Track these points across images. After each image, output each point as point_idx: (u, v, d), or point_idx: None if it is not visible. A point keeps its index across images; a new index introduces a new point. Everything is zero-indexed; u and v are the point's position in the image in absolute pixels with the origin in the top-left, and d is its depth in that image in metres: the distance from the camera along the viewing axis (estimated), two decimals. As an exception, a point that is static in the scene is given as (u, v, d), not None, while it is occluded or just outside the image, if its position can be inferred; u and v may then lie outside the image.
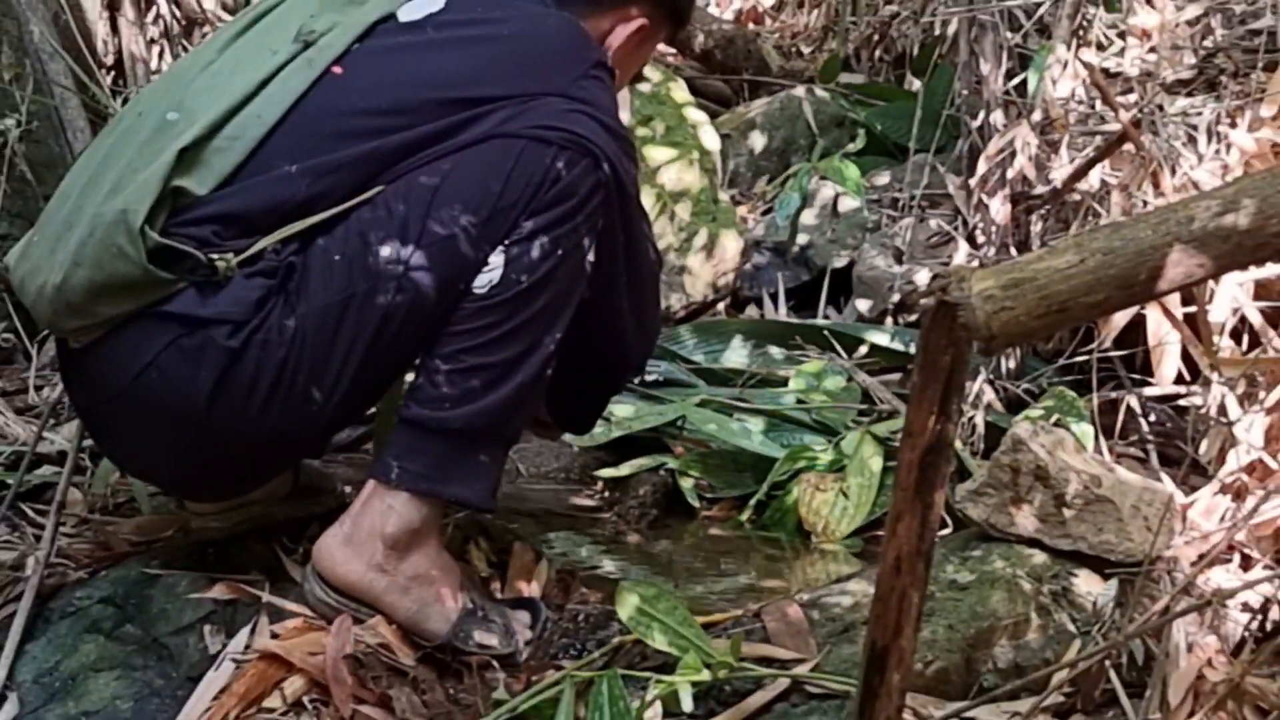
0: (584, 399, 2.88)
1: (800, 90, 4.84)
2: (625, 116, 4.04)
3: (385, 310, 2.37)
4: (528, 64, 2.51)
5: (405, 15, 2.55)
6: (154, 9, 4.16)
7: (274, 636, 2.52)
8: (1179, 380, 3.06)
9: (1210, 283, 2.42)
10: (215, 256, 2.31)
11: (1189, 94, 3.30)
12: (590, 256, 2.53)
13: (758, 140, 4.72)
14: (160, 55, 4.15)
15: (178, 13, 4.32)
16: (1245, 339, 2.90)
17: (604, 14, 2.72)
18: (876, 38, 5.21)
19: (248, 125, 2.37)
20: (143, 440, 2.56)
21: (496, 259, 2.41)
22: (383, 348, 2.41)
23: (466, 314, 2.43)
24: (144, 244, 2.26)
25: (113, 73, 4.00)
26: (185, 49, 4.30)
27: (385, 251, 2.35)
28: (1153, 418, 3.19)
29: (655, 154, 4.07)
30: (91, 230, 2.29)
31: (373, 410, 2.87)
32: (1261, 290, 2.87)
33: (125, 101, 3.89)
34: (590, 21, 2.71)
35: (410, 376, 2.55)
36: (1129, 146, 3.16)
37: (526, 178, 2.40)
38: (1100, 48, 3.54)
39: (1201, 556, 2.61)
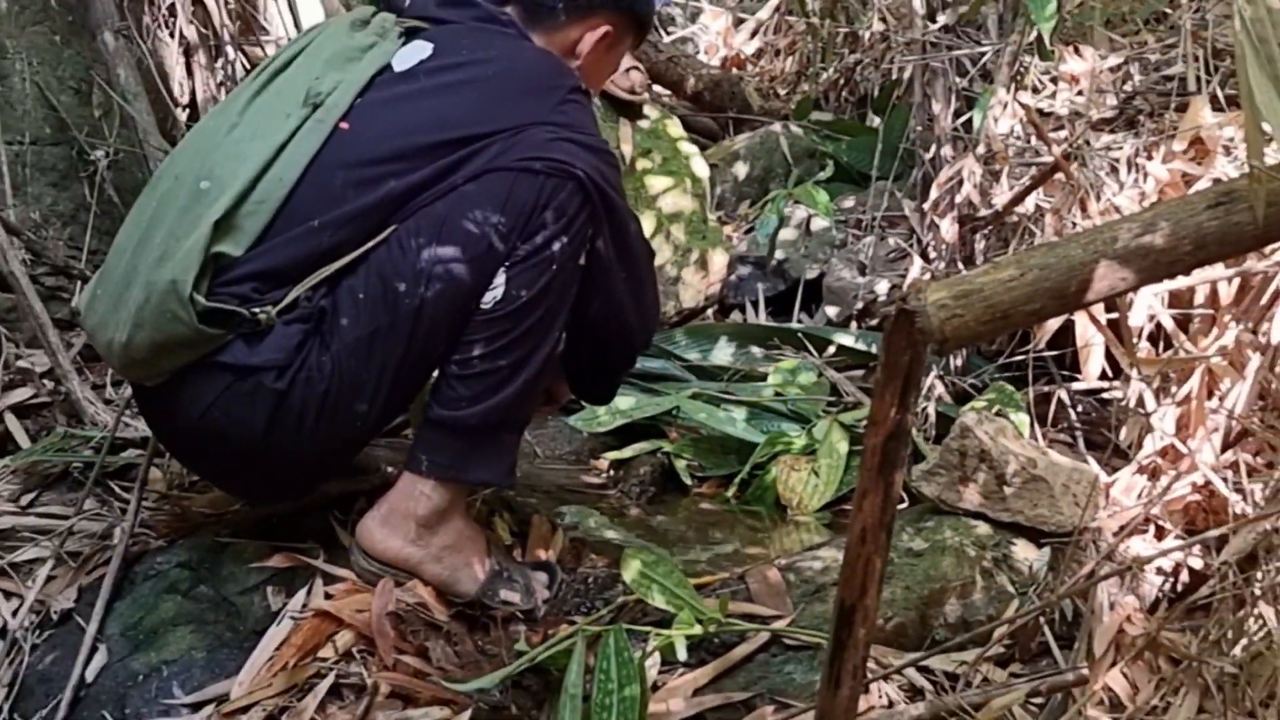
0: (601, 375, 2.89)
1: (777, 126, 4.83)
2: (627, 150, 4.05)
3: (408, 337, 2.39)
4: (511, 100, 2.51)
5: (399, 65, 2.55)
6: (223, 56, 4.15)
7: (327, 597, 2.53)
8: (1103, 376, 3.06)
9: (1130, 293, 2.42)
10: (257, 310, 2.35)
11: (1111, 131, 3.30)
12: (581, 261, 2.53)
13: (741, 169, 4.71)
14: (230, 98, 4.15)
15: (243, 59, 4.32)
16: (1160, 341, 2.90)
17: (571, 26, 2.72)
18: (842, 81, 5.20)
19: (271, 189, 2.39)
20: (212, 462, 2.62)
21: (499, 279, 2.42)
22: (409, 366, 2.43)
23: (475, 326, 2.44)
24: (194, 309, 2.29)
25: (187, 110, 4.00)
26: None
27: (402, 286, 2.37)
28: (1080, 409, 3.19)
29: (654, 182, 4.08)
30: (147, 297, 2.32)
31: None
32: (1174, 299, 2.87)
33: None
34: (559, 35, 2.73)
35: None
36: (1060, 176, 3.15)
37: (520, 207, 2.41)
38: (1035, 91, 3.53)
39: (1122, 528, 2.61)
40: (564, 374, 2.87)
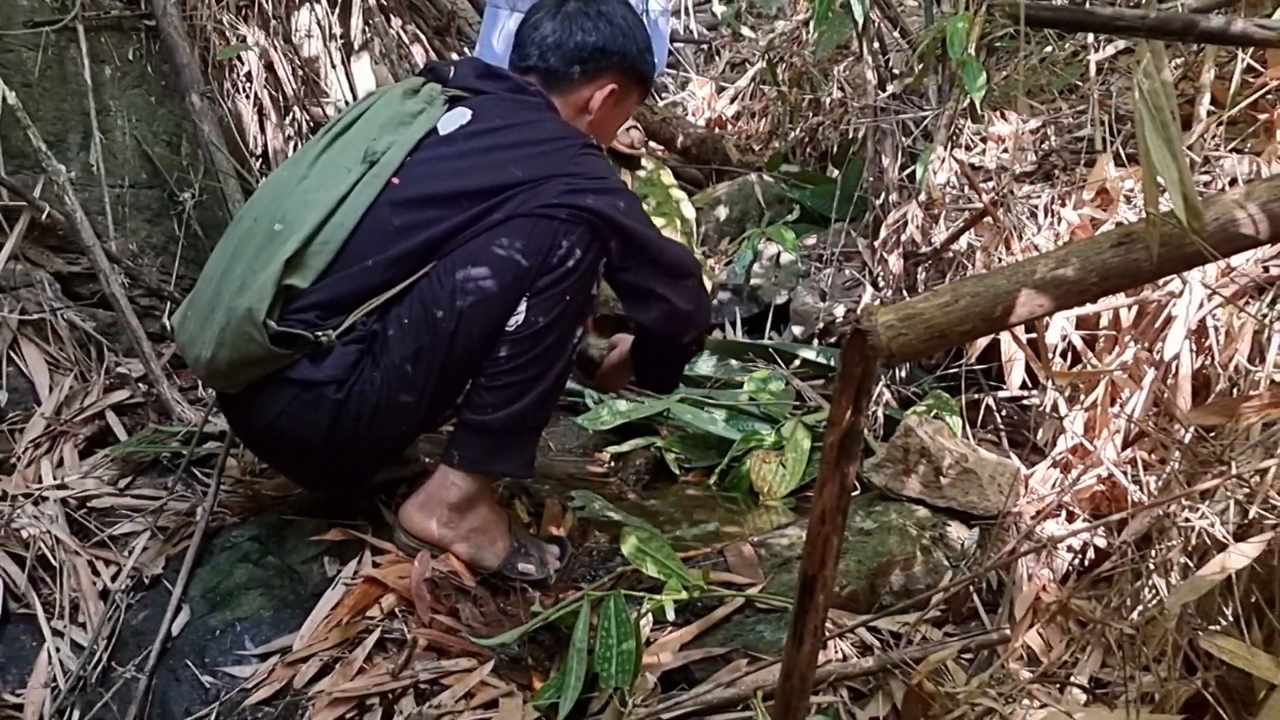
0: (664, 367, 2.89)
1: (753, 177, 4.82)
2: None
3: (445, 353, 2.41)
4: (534, 158, 2.50)
5: (443, 128, 2.55)
6: (291, 114, 4.16)
7: (374, 566, 2.53)
8: (1024, 386, 3.05)
9: (1047, 316, 2.42)
10: (319, 334, 2.36)
11: (1031, 182, 3.30)
12: (593, 291, 2.56)
13: (722, 212, 4.70)
14: (294, 148, 4.14)
15: (307, 117, 4.32)
16: (1070, 357, 2.89)
17: (583, 87, 2.73)
18: (807, 139, 5.19)
19: (334, 232, 2.40)
20: (284, 458, 2.64)
21: (521, 306, 2.43)
22: (447, 378, 2.45)
23: (501, 345, 2.45)
24: (267, 332, 2.31)
25: (260, 159, 4.00)
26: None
27: (440, 313, 2.38)
28: (1004, 413, 3.19)
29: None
30: (228, 321, 2.34)
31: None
32: (1083, 322, 2.87)
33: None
34: (574, 94, 2.74)
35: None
36: (989, 219, 3.15)
37: (539, 246, 2.42)
38: (968, 148, 3.53)
39: (1039, 512, 2.61)
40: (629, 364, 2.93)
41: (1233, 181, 2.79)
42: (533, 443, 2.65)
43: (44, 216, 3.09)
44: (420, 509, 2.56)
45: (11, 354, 3.06)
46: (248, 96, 3.99)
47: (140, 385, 3.18)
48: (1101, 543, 2.48)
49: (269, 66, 4.05)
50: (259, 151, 4.00)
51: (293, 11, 4.42)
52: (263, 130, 4.04)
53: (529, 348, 2.46)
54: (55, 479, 2.87)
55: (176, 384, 3.21)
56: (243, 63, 3.98)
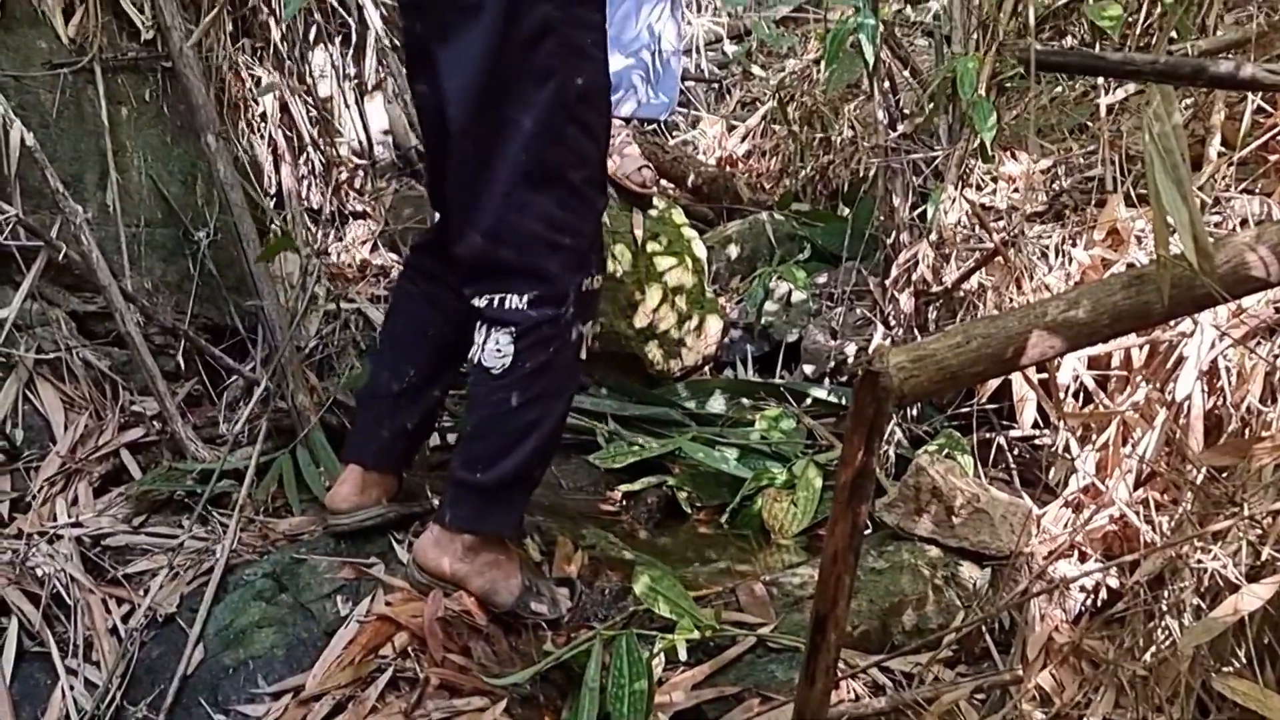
0: None
1: (764, 215, 4.83)
2: (639, 234, 4.07)
3: None
4: None
5: None
6: (305, 154, 4.18)
7: (387, 604, 2.54)
8: (1035, 426, 3.06)
9: (1058, 357, 2.43)
10: None
11: (1042, 222, 3.31)
12: (582, 357, 2.55)
13: (733, 250, 4.72)
14: (308, 187, 4.17)
15: (320, 157, 4.35)
16: (1082, 397, 2.90)
17: None
18: (818, 178, 5.20)
19: None
20: None
21: (508, 347, 2.42)
22: None
23: (486, 390, 2.45)
24: None
25: (274, 199, 4.02)
26: (326, 183, 4.33)
27: None
28: (1016, 452, 3.19)
29: (661, 261, 4.09)
30: None
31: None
32: (1094, 362, 2.87)
33: (285, 221, 3.92)
34: None
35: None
36: (999, 259, 3.16)
37: None
38: (979, 188, 3.54)
39: (1051, 552, 2.61)
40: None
41: (1243, 222, 2.81)
42: (523, 503, 2.66)
43: (60, 256, 3.11)
44: (434, 545, 2.56)
45: (27, 392, 3.07)
46: (262, 136, 4.02)
47: (154, 423, 3.19)
48: (1114, 583, 2.49)
49: (284, 106, 4.08)
50: (273, 191, 4.02)
51: (307, 52, 4.46)
52: (277, 170, 4.06)
53: (516, 394, 2.47)
54: (70, 517, 2.88)
55: (190, 422, 3.22)
56: (258, 103, 4.01)
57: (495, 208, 2.43)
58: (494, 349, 2.45)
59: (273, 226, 3.79)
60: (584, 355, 2.57)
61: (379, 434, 2.81)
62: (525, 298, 2.44)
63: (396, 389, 2.81)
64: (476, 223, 2.46)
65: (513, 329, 2.44)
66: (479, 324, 2.50)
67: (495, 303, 2.46)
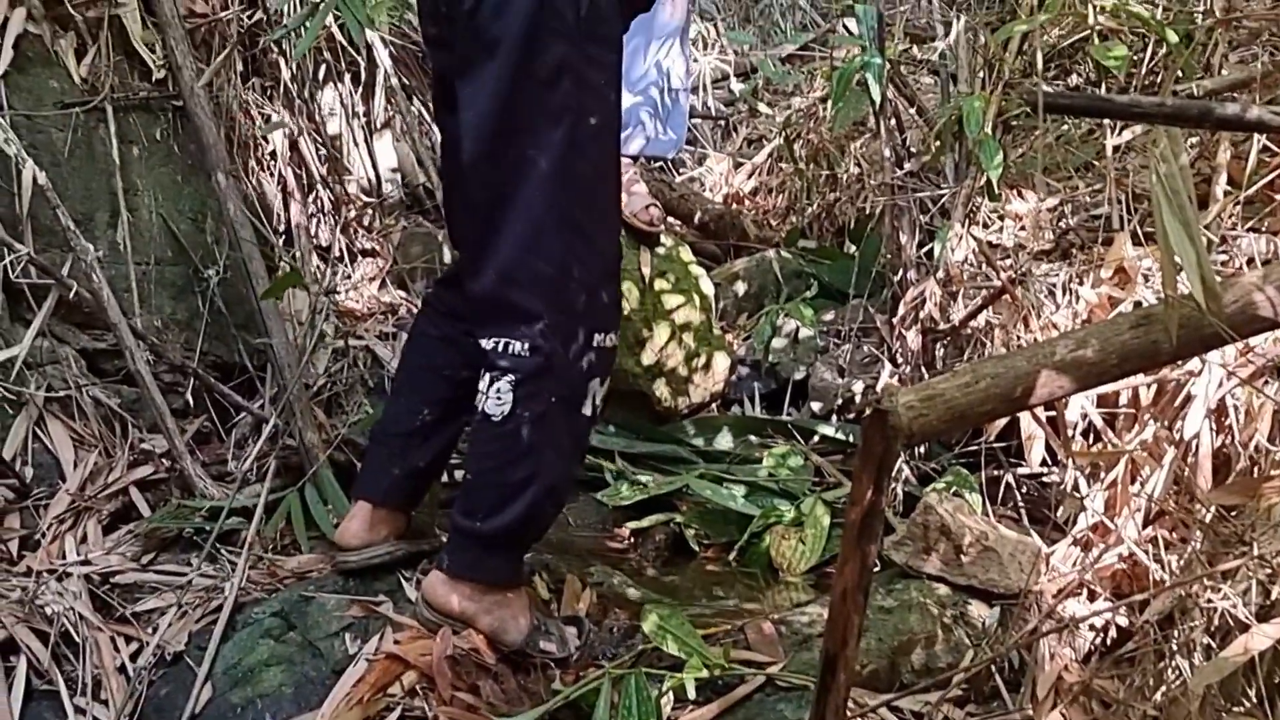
0: None
1: (770, 252, 4.85)
2: (646, 271, 4.08)
3: None
4: None
5: None
6: (314, 192, 4.21)
7: (395, 642, 2.53)
8: (1044, 463, 3.06)
9: (1066, 397, 2.43)
10: None
11: (1049, 260, 3.32)
12: (586, 411, 2.55)
13: (741, 288, 4.74)
14: (318, 225, 4.19)
15: (329, 195, 4.37)
16: (1091, 434, 2.90)
17: None
18: (824, 215, 5.22)
19: None
20: None
21: (507, 394, 2.43)
22: None
23: (486, 438, 2.46)
24: None
25: (284, 236, 4.04)
26: (335, 220, 4.34)
27: None
28: (1024, 490, 3.19)
29: (668, 299, 4.10)
30: None
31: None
32: (1102, 399, 2.88)
33: (294, 259, 3.93)
34: None
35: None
36: (1007, 297, 3.17)
37: None
38: (985, 226, 3.55)
39: (1060, 591, 2.61)
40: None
41: (1250, 261, 2.81)
42: (524, 552, 2.67)
43: (71, 294, 3.13)
44: (444, 584, 2.56)
45: (37, 430, 3.08)
46: (272, 174, 4.04)
47: (164, 461, 3.20)
48: (1124, 622, 2.48)
49: (293, 145, 4.11)
50: (283, 229, 4.04)
51: (317, 91, 4.48)
52: (286, 208, 4.08)
53: (515, 443, 2.47)
54: (79, 555, 2.88)
55: (199, 460, 3.23)
56: (267, 141, 4.03)
57: (507, 247, 2.44)
58: (495, 396, 2.45)
59: (282, 264, 3.80)
60: (591, 413, 2.56)
61: (390, 471, 2.82)
62: (527, 344, 2.44)
63: (410, 427, 2.81)
64: (489, 260, 2.46)
65: (513, 376, 2.44)
66: (484, 370, 2.50)
67: (500, 346, 2.46)
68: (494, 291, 2.47)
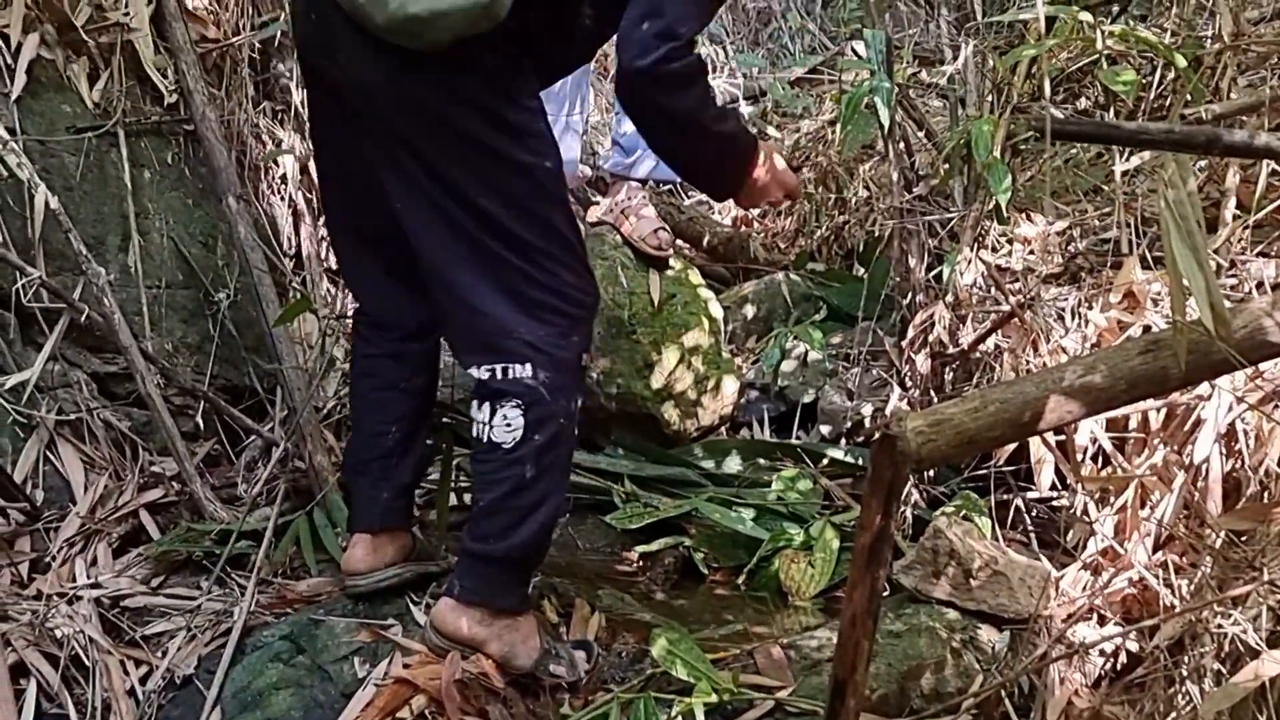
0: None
1: (779, 275, 4.85)
2: (656, 295, 4.09)
3: None
4: None
5: None
6: (324, 215, 4.21)
7: (405, 666, 2.54)
8: (1053, 487, 3.05)
9: (1075, 422, 2.43)
10: None
11: (1058, 284, 3.32)
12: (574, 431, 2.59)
13: (749, 310, 4.73)
14: (327, 249, 4.19)
15: (340, 218, 4.37)
16: (1100, 459, 2.90)
17: None
18: (833, 238, 5.22)
19: None
20: None
21: (517, 420, 2.43)
22: None
23: (497, 466, 2.47)
24: None
25: (294, 260, 4.05)
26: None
27: None
28: (1034, 514, 3.18)
29: (678, 322, 4.11)
30: None
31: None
32: (1111, 424, 2.87)
33: (304, 282, 3.95)
34: None
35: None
36: (1016, 321, 3.17)
37: None
38: (994, 250, 3.55)
39: (1070, 616, 2.61)
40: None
41: (1259, 285, 2.81)
42: (530, 577, 2.69)
43: (83, 318, 3.14)
44: (454, 609, 2.56)
45: (48, 453, 3.09)
46: (282, 199, 4.06)
47: (174, 484, 3.21)
48: (1134, 647, 2.48)
49: (303, 168, 4.12)
50: (292, 252, 4.05)
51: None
52: (296, 231, 4.10)
53: (524, 469, 2.48)
54: (89, 578, 2.89)
55: (209, 483, 3.24)
56: (278, 165, 4.05)
57: (483, 289, 2.46)
58: (503, 424, 2.46)
59: (292, 288, 3.82)
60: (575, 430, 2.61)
61: (379, 497, 2.83)
62: (529, 366, 2.45)
63: (384, 449, 2.82)
64: (464, 302, 2.49)
65: (519, 401, 2.45)
66: (480, 400, 2.51)
67: (501, 372, 2.47)
68: (476, 329, 2.50)
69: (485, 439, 2.49)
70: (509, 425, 2.45)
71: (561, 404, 2.49)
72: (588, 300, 2.57)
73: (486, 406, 2.49)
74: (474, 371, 2.51)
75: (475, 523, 2.56)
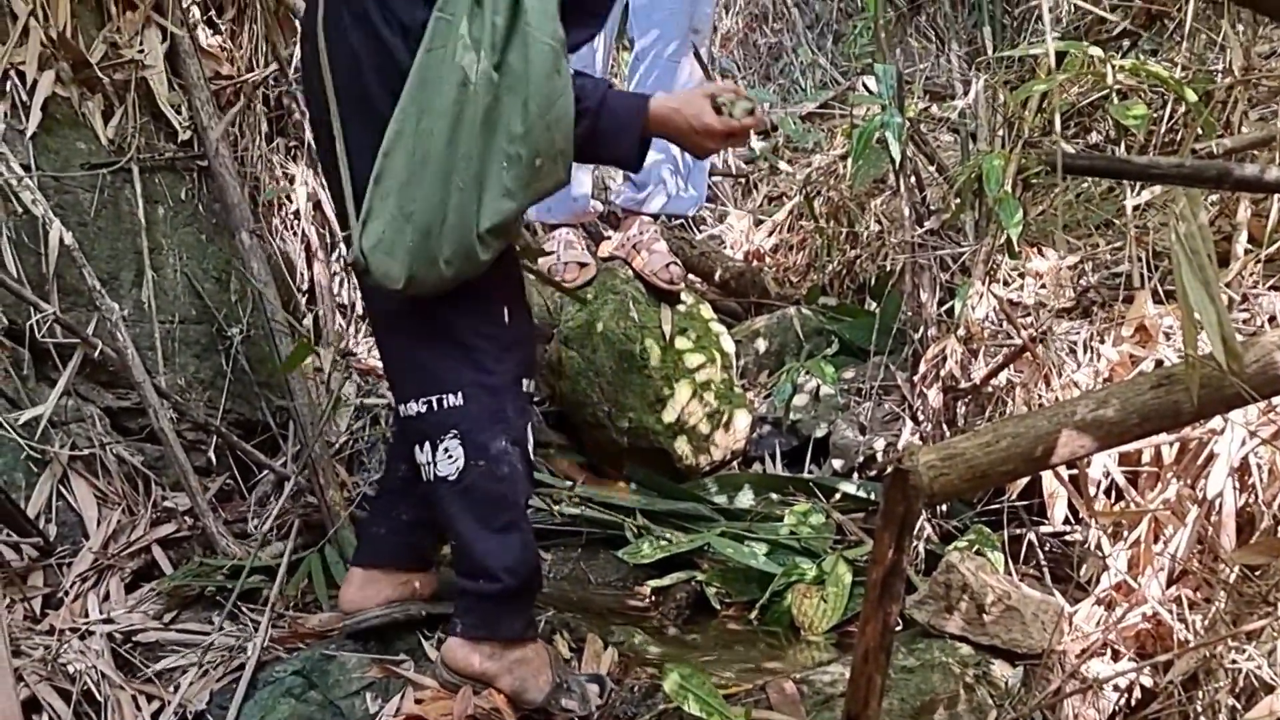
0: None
1: (791, 309, 4.85)
2: (667, 329, 4.10)
3: None
4: None
5: None
6: (336, 250, 4.23)
7: (416, 702, 2.54)
8: (1066, 521, 3.05)
9: (1088, 456, 2.43)
10: None
11: (1070, 318, 3.33)
12: (531, 454, 2.60)
13: (761, 345, 4.74)
14: (340, 284, 4.21)
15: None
16: (1113, 492, 2.90)
17: None
18: (845, 272, 5.23)
19: None
20: None
21: (457, 450, 2.44)
22: None
23: (450, 499, 2.49)
24: None
25: (306, 295, 4.07)
26: (356, 280, 4.37)
27: None
28: (1047, 548, 3.18)
29: (689, 357, 4.12)
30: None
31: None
32: (1124, 458, 2.87)
33: (316, 318, 3.96)
34: None
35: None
36: (1028, 355, 3.18)
37: None
38: (1006, 284, 3.56)
39: (1084, 651, 2.60)
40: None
41: (1272, 319, 2.82)
42: (530, 602, 2.69)
43: (96, 353, 3.16)
44: (463, 646, 2.57)
45: (61, 488, 3.10)
46: (295, 233, 4.08)
47: (186, 519, 3.21)
48: (1148, 682, 2.47)
49: (316, 205, 4.14)
50: (305, 287, 4.07)
51: (340, 150, 4.51)
52: (310, 266, 4.11)
53: (480, 495, 2.51)
54: (102, 613, 2.90)
55: (222, 518, 3.24)
56: (291, 201, 4.07)
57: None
58: (445, 457, 2.48)
59: (305, 322, 3.83)
60: (533, 456, 2.63)
61: (373, 532, 2.85)
62: (461, 394, 2.48)
63: (390, 485, 2.87)
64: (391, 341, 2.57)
65: (455, 430, 2.47)
66: (419, 441, 2.54)
67: (434, 405, 2.49)
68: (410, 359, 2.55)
69: (432, 477, 2.51)
70: (450, 457, 2.46)
71: (499, 428, 2.50)
72: (518, 327, 2.59)
73: (427, 445, 2.51)
74: (405, 408, 2.55)
75: (459, 560, 2.58)
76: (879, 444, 3.95)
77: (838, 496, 3.84)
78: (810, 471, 4.16)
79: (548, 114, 2.26)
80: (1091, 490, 2.85)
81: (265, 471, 3.49)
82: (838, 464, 4.06)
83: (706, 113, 2.43)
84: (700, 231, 6.17)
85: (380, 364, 3.02)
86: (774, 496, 3.95)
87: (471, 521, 2.52)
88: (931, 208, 3.99)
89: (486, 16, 2.21)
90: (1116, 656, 2.59)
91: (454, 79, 2.21)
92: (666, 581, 3.41)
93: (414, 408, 2.51)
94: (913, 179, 3.88)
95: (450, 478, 2.47)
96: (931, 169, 4.30)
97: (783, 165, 6.56)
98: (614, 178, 5.69)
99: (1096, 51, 3.39)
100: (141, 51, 3.51)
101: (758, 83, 7.83)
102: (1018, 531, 3.19)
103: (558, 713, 2.61)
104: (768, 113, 7.02)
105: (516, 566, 2.54)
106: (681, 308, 4.23)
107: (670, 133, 2.48)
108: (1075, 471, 2.88)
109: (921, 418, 3.56)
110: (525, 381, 2.59)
